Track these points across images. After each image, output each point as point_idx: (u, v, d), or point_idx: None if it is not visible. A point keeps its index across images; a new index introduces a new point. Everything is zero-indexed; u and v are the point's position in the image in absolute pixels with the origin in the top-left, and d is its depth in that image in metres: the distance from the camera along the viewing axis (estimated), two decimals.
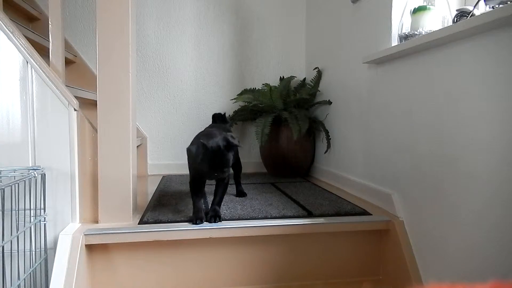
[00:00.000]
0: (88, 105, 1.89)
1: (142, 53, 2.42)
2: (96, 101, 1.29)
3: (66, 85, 1.29)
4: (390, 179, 1.42)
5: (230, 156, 1.24)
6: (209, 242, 1.29)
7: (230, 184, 1.76)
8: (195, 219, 1.27)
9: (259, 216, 1.34)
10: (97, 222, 1.29)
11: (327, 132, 2.07)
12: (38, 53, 1.25)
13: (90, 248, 1.23)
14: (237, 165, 1.75)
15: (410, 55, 1.28)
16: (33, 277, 1.18)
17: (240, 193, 1.70)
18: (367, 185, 1.60)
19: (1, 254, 1.05)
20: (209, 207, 1.36)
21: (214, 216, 1.29)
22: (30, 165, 1.23)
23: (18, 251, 1.19)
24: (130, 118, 1.31)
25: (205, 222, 1.28)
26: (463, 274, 1.03)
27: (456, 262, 1.06)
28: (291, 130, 1.98)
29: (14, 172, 1.17)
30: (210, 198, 1.47)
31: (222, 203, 1.48)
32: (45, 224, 1.22)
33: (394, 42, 1.40)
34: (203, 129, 1.49)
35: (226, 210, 1.41)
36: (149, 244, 1.27)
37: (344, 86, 1.88)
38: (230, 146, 1.23)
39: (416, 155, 1.24)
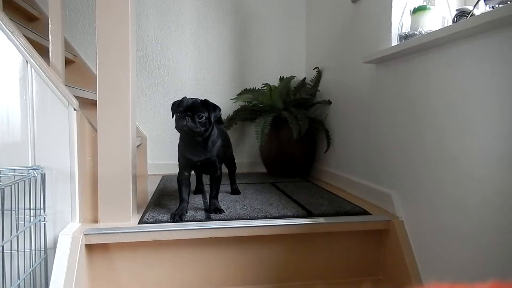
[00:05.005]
0: (88, 105, 1.89)
1: (142, 53, 2.42)
2: (96, 101, 1.29)
3: (66, 85, 1.29)
4: (390, 179, 1.42)
5: (205, 111, 1.29)
6: (209, 242, 1.29)
7: (227, 184, 1.79)
8: (174, 215, 1.32)
9: (259, 216, 1.34)
10: (97, 222, 1.29)
11: (327, 132, 2.07)
12: (38, 53, 1.25)
13: (90, 248, 1.23)
14: (231, 164, 1.79)
15: (410, 55, 1.28)
16: (33, 277, 1.18)
17: (235, 191, 1.74)
18: (367, 185, 1.60)
19: (1, 254, 1.05)
20: (208, 202, 1.44)
21: (215, 209, 1.38)
22: (30, 165, 1.23)
23: (18, 251, 1.19)
24: (130, 118, 1.31)
25: (204, 223, 1.28)
26: (463, 274, 1.03)
27: (456, 262, 1.06)
28: (291, 130, 1.98)
29: (14, 172, 1.17)
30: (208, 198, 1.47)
31: (222, 203, 1.50)
32: (45, 224, 1.22)
33: (394, 42, 1.40)
34: None
35: (226, 210, 1.41)
36: (149, 244, 1.27)
37: (344, 86, 1.88)
38: (205, 102, 1.31)
39: (416, 155, 1.24)
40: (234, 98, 2.44)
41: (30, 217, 1.21)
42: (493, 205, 0.92)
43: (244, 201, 1.56)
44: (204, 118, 1.28)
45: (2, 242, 1.03)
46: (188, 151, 1.37)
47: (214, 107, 1.32)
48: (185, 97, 1.33)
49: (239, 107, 2.42)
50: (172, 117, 1.32)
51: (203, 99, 1.33)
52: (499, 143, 0.91)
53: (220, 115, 1.51)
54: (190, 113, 1.27)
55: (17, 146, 1.23)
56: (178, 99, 1.34)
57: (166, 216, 1.33)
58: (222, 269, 1.31)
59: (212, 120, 1.31)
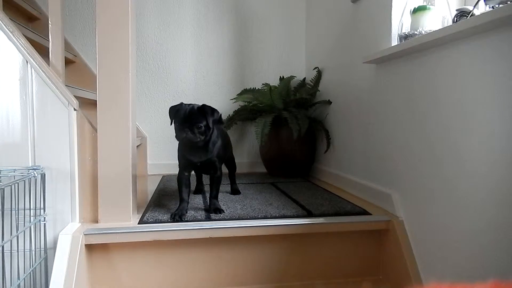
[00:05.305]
0: (88, 105, 1.89)
1: (142, 53, 2.42)
2: (96, 101, 1.29)
3: (66, 85, 1.29)
4: (390, 179, 1.42)
5: (203, 119, 1.28)
6: (209, 242, 1.29)
7: (227, 184, 1.79)
8: (174, 215, 1.32)
9: (259, 216, 1.34)
10: (97, 221, 1.29)
11: (327, 132, 2.07)
12: (38, 53, 1.25)
13: (90, 248, 1.23)
14: (231, 164, 1.78)
15: (410, 55, 1.28)
16: (33, 277, 1.18)
17: (235, 191, 1.74)
18: (367, 185, 1.60)
19: (1, 254, 1.05)
20: (208, 202, 1.44)
21: (215, 209, 1.38)
22: (30, 164, 1.23)
23: (18, 251, 1.19)
24: (130, 118, 1.31)
25: (204, 223, 1.28)
26: (463, 274, 1.03)
27: (456, 262, 1.06)
28: (291, 130, 1.98)
29: (14, 171, 1.17)
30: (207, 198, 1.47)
31: (222, 203, 1.50)
32: (45, 224, 1.22)
33: (394, 42, 1.40)
34: None
35: (226, 210, 1.41)
36: (149, 244, 1.27)
37: (344, 86, 1.88)
38: (203, 109, 1.29)
39: (416, 155, 1.24)
40: (234, 98, 2.45)
41: (30, 217, 1.20)
42: (493, 205, 0.92)
43: (244, 201, 1.56)
44: (203, 127, 1.28)
45: (2, 242, 1.03)
46: (189, 153, 1.37)
47: (212, 112, 1.30)
48: (182, 103, 1.32)
49: (239, 107, 2.42)
50: (171, 124, 1.31)
51: (200, 105, 1.31)
52: (499, 143, 0.91)
53: (220, 114, 1.51)
54: (188, 124, 1.26)
55: (17, 146, 1.23)
56: (174, 104, 1.33)
57: (166, 216, 1.33)
58: (222, 269, 1.31)
59: (211, 126, 1.30)
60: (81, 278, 1.16)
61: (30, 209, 1.20)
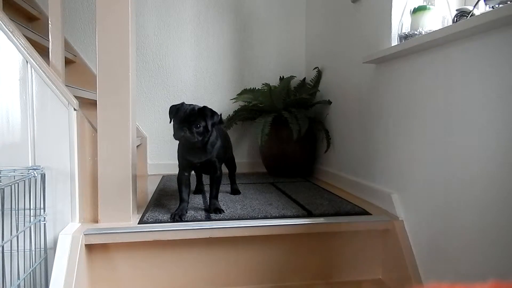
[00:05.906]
0: (88, 105, 1.89)
1: (142, 53, 2.42)
2: (96, 101, 1.29)
3: (66, 85, 1.29)
4: (390, 179, 1.42)
5: (202, 121, 1.28)
6: (209, 242, 1.29)
7: (227, 184, 1.79)
8: (174, 215, 1.32)
9: (259, 216, 1.34)
10: (97, 221, 1.29)
11: (327, 132, 2.07)
12: (38, 53, 1.25)
13: (90, 247, 1.23)
14: (231, 164, 1.78)
15: (410, 55, 1.28)
16: (33, 276, 1.18)
17: (235, 191, 1.74)
18: (367, 185, 1.60)
19: (1, 254, 1.05)
20: (208, 202, 1.44)
21: (215, 210, 1.38)
22: (30, 164, 1.23)
23: (18, 251, 1.19)
24: (130, 118, 1.31)
25: (204, 223, 1.28)
26: (463, 274, 1.03)
27: (456, 262, 1.06)
28: (291, 130, 1.98)
29: (14, 171, 1.17)
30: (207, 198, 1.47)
31: (222, 203, 1.50)
32: (45, 224, 1.22)
33: (394, 42, 1.40)
34: None
35: (226, 210, 1.41)
36: (149, 244, 1.27)
37: (344, 86, 1.89)
38: (203, 110, 1.29)
39: (416, 154, 1.24)
40: (234, 98, 2.45)
41: (30, 217, 1.21)
42: (493, 205, 0.92)
43: (244, 201, 1.56)
44: (201, 128, 1.28)
45: (2, 242, 1.03)
46: (188, 153, 1.37)
47: (212, 115, 1.30)
48: (183, 103, 1.31)
49: (239, 107, 2.42)
50: (170, 122, 1.32)
51: (201, 106, 1.31)
52: (499, 143, 0.91)
53: (221, 114, 1.50)
54: (187, 123, 1.26)
55: (17, 146, 1.23)
56: (176, 104, 1.32)
57: (166, 216, 1.33)
58: (222, 269, 1.31)
59: (210, 128, 1.30)
60: (81, 278, 1.16)
61: (30, 209, 1.20)
